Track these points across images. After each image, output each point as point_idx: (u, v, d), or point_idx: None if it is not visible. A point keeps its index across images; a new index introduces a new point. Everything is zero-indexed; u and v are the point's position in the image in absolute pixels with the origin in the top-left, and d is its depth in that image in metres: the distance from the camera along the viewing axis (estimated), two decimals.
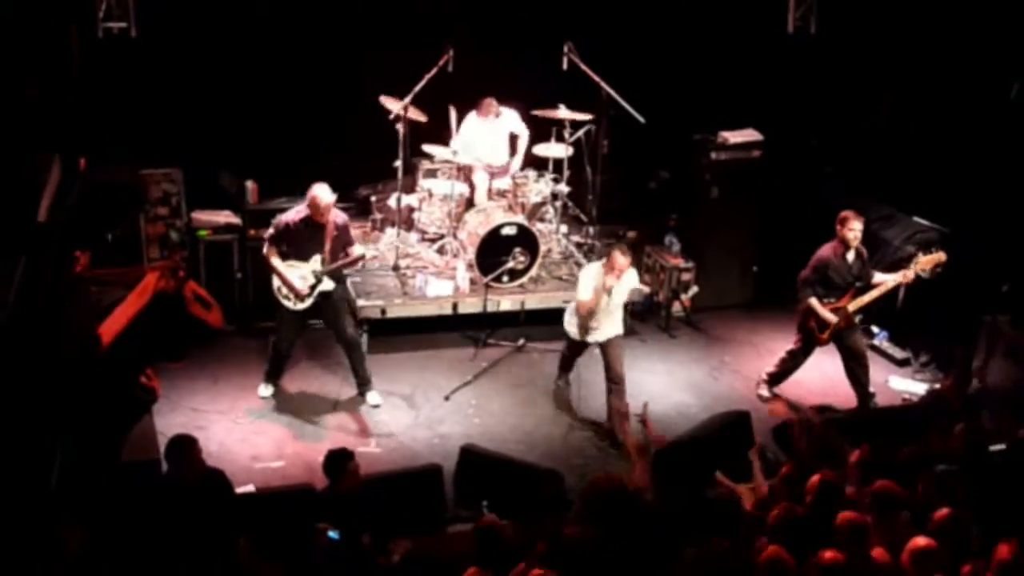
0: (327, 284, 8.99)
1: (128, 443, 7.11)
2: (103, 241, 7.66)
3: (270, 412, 9.19)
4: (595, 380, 9.62)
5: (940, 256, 9.33)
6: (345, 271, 9.34)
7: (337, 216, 9.03)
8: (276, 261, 8.91)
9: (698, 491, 6.96)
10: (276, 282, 8.97)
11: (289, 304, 8.99)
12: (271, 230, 9.04)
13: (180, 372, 9.45)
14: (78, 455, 6.28)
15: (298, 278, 8.91)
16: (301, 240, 8.90)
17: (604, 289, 8.81)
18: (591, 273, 8.98)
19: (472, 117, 10.97)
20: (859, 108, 11.84)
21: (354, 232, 9.46)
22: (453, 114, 10.98)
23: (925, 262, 9.26)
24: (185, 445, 6.70)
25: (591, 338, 9.10)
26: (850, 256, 9.24)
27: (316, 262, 8.92)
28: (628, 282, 9.04)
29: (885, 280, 9.31)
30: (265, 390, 9.38)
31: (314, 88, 11.06)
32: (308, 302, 8.98)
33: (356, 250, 9.11)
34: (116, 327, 6.46)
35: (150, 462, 7.26)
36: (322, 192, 8.82)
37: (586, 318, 8.98)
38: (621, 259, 8.78)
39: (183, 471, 6.65)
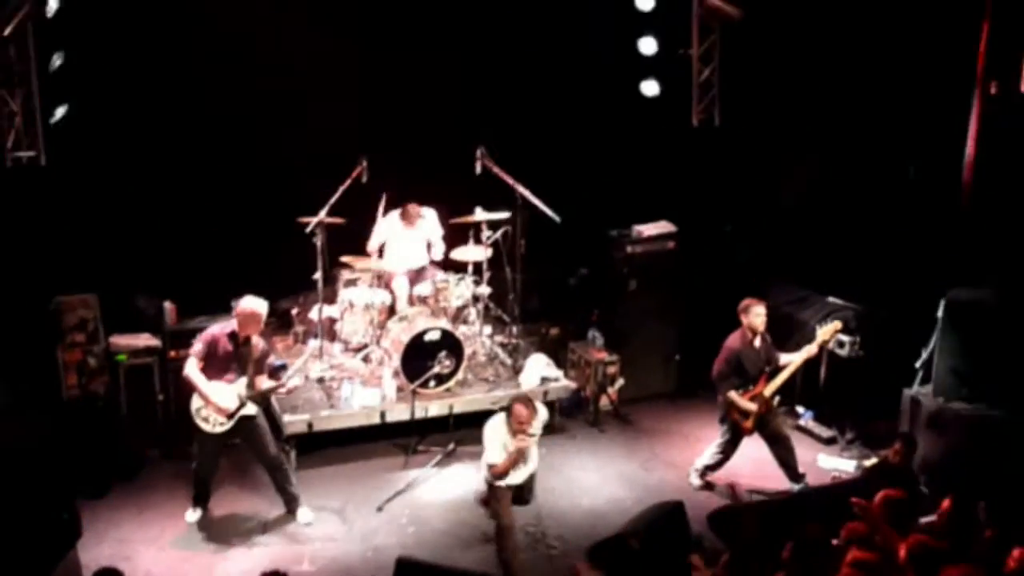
0: (250, 408, 8.80)
1: None
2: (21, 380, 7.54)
3: (197, 538, 8.97)
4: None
5: (836, 324, 9.65)
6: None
7: (259, 340, 8.92)
8: (200, 379, 8.66)
9: None
10: (196, 403, 8.69)
11: (207, 427, 8.74)
12: (197, 345, 8.76)
13: (105, 500, 9.28)
14: None
15: (222, 399, 8.70)
16: (226, 359, 8.74)
17: (517, 452, 8.51)
18: (497, 430, 8.66)
19: (394, 217, 11.05)
20: (767, 194, 12.16)
21: (277, 346, 9.41)
22: (382, 205, 11.01)
23: (824, 333, 9.54)
24: None
25: (508, 482, 8.74)
26: (757, 342, 9.43)
27: (241, 385, 8.76)
28: (539, 421, 8.77)
29: (792, 359, 9.49)
30: (192, 515, 9.16)
31: (228, 205, 11.07)
32: (229, 424, 8.77)
33: (261, 383, 8.85)
34: None
35: None
36: (256, 303, 8.76)
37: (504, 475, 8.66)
38: (523, 411, 8.45)
39: None
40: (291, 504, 9.19)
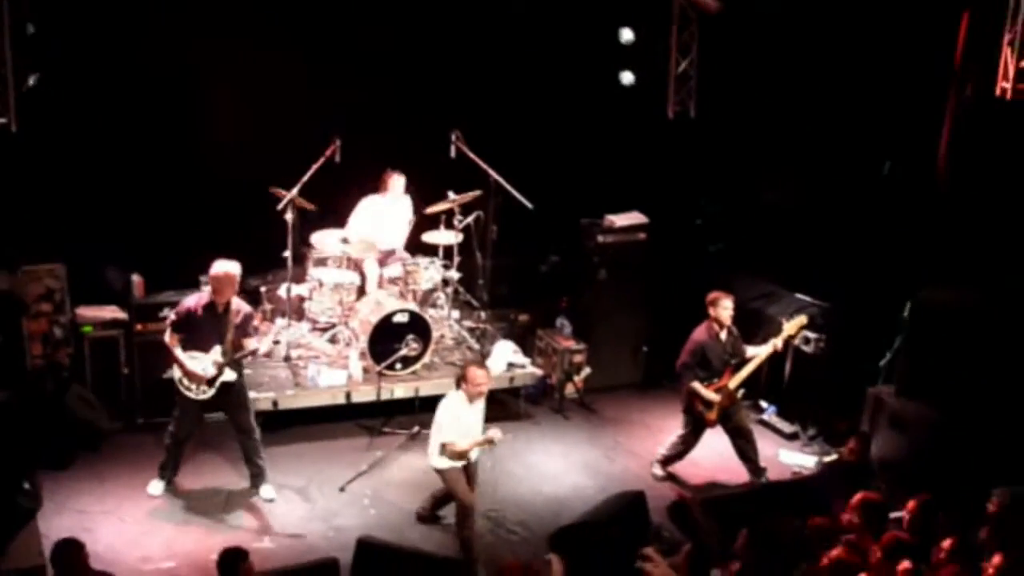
0: (229, 374, 8.85)
1: (11, 551, 6.88)
2: None
3: (159, 512, 8.95)
4: (491, 465, 9.67)
5: (802, 319, 9.78)
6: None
7: (242, 305, 8.95)
8: (178, 350, 8.76)
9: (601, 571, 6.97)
10: (177, 372, 8.81)
11: (191, 394, 8.82)
12: (172, 316, 8.88)
13: (66, 471, 9.24)
14: None
15: (200, 369, 8.77)
16: (203, 328, 8.78)
17: (487, 441, 8.28)
18: (450, 406, 8.35)
19: (372, 200, 11.05)
20: (740, 188, 12.22)
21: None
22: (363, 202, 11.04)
23: (790, 327, 9.66)
24: (71, 549, 6.51)
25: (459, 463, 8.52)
26: (723, 335, 9.50)
27: (216, 352, 8.79)
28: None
29: (758, 352, 9.58)
30: (156, 487, 9.15)
31: (200, 180, 10.97)
32: (211, 392, 8.82)
33: (250, 344, 8.96)
34: None
35: (34, 569, 7.03)
36: (228, 264, 8.77)
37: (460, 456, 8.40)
38: (478, 373, 8.25)
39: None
40: (256, 478, 9.21)
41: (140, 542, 8.50)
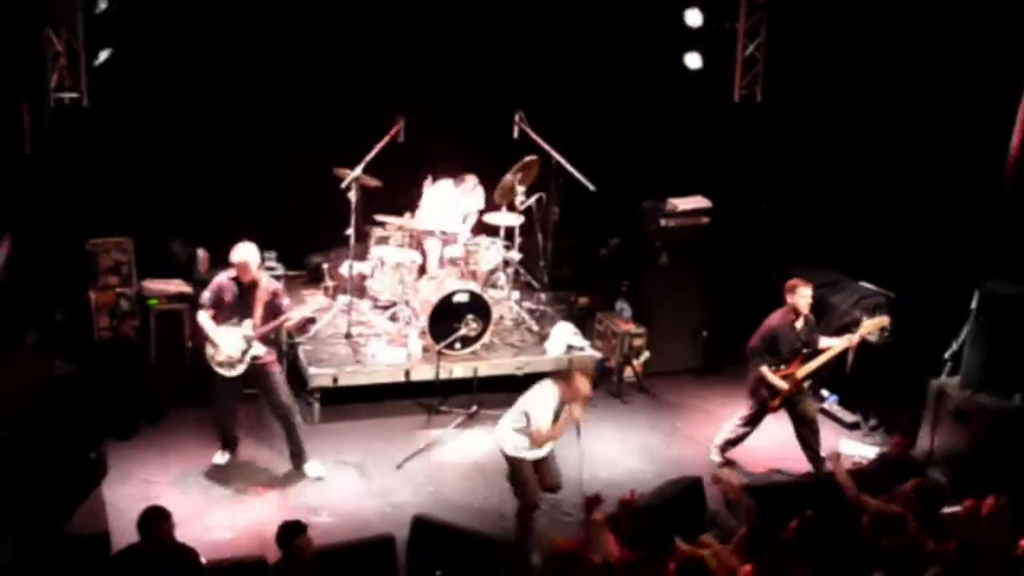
0: (258, 349, 8.92)
1: (76, 517, 7.01)
2: (52, 320, 7.64)
3: (220, 483, 9.08)
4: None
5: (884, 320, 9.56)
6: (296, 339, 9.29)
7: (269, 283, 9.06)
8: (208, 325, 8.89)
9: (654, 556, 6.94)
10: (209, 349, 8.94)
11: (222, 371, 8.93)
12: (206, 294, 9.03)
13: (130, 441, 9.40)
14: (27, 529, 6.21)
15: (229, 343, 8.87)
16: (233, 304, 8.91)
17: (570, 420, 8.06)
18: (546, 397, 8.11)
19: (444, 184, 11.13)
20: (805, 174, 12.08)
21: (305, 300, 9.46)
22: (427, 184, 11.10)
23: (870, 325, 9.46)
24: (158, 516, 6.64)
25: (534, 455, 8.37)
26: (799, 324, 9.36)
27: (247, 327, 8.89)
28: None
29: (832, 345, 9.44)
30: (220, 457, 9.30)
31: (266, 156, 11.09)
32: (240, 368, 8.91)
33: (279, 319, 9.02)
34: None
35: (98, 535, 7.16)
36: (240, 251, 8.86)
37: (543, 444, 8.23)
38: (586, 386, 8.07)
39: (154, 543, 6.59)
40: (296, 458, 9.28)
41: (201, 513, 8.63)
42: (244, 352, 8.89)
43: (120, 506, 8.20)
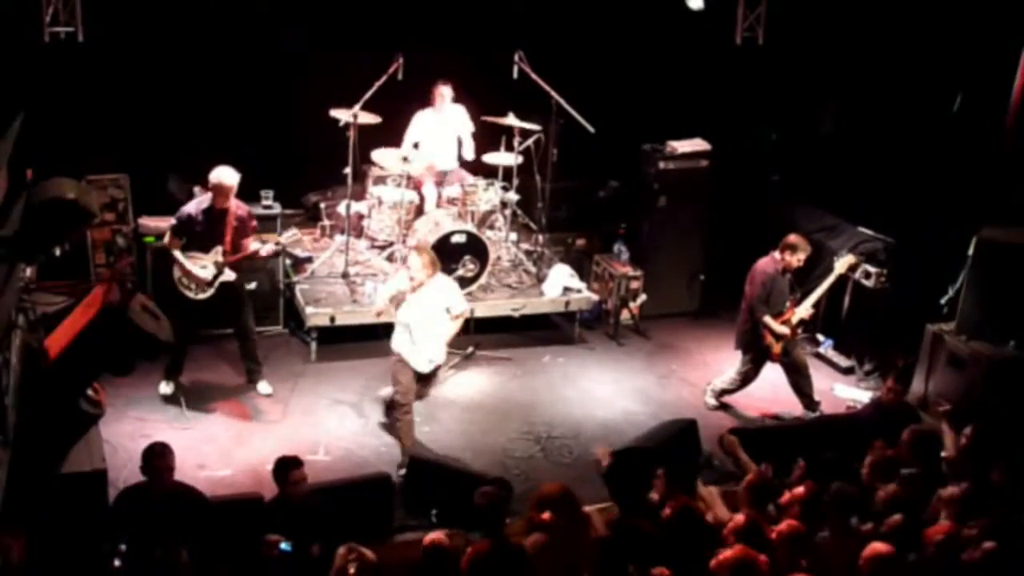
0: (228, 275, 9.07)
1: (73, 455, 7.03)
2: (50, 255, 7.59)
3: (217, 421, 9.13)
4: (544, 388, 9.73)
5: (850, 259, 9.77)
6: (294, 278, 9.27)
7: (239, 207, 9.13)
8: (177, 252, 9.02)
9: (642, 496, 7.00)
10: (177, 272, 9.06)
11: (190, 294, 9.07)
12: (173, 221, 9.13)
13: (124, 380, 9.39)
14: (22, 466, 6.21)
15: (199, 268, 9.00)
16: (202, 232, 9.01)
17: (400, 298, 8.66)
18: (400, 277, 8.89)
19: (423, 114, 11.00)
20: (806, 117, 12.01)
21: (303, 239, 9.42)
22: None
23: (840, 265, 9.65)
24: (163, 451, 6.81)
25: (417, 365, 8.65)
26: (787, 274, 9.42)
27: (217, 253, 9.01)
28: (438, 297, 8.67)
29: (815, 289, 9.58)
30: (166, 387, 9.35)
31: (264, 94, 11.00)
32: (210, 292, 9.06)
33: (250, 245, 9.15)
34: (63, 340, 6.41)
35: (96, 472, 7.18)
36: (225, 174, 8.94)
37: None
38: (414, 259, 8.54)
39: (159, 479, 6.71)
40: (253, 374, 9.54)
41: (197, 450, 8.66)
42: (215, 277, 9.03)
43: (115, 443, 8.25)
